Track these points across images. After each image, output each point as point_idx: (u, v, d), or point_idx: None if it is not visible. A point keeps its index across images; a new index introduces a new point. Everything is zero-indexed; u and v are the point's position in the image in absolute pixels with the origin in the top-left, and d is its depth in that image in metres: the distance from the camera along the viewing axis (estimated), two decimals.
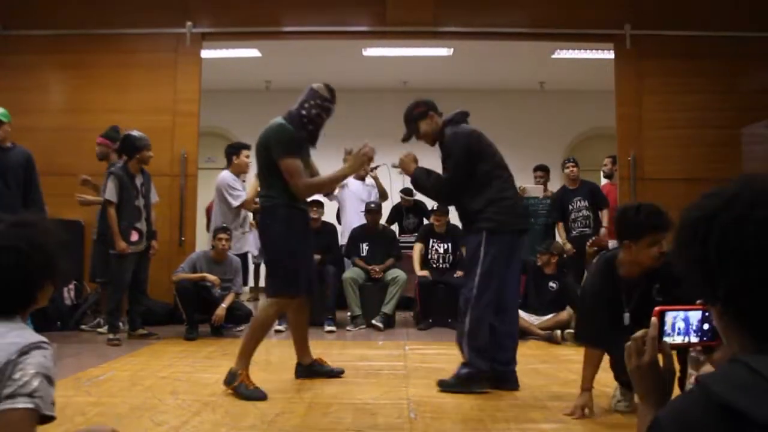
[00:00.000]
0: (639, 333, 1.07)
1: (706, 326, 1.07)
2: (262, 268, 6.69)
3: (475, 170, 3.30)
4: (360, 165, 3.38)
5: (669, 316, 1.06)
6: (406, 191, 7.21)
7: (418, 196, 7.27)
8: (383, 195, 6.59)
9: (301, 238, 3.30)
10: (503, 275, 3.27)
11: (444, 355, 4.34)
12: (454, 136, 3.37)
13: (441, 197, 3.95)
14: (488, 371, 3.19)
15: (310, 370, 3.54)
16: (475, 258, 3.25)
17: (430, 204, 6.36)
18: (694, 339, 1.07)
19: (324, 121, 3.37)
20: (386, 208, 7.07)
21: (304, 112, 3.29)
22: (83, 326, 5.39)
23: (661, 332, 1.05)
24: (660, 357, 1.05)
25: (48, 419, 1.27)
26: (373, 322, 5.68)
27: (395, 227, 7.16)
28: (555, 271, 5.28)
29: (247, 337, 3.26)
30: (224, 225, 5.38)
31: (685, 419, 0.77)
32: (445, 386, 3.22)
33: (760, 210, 0.81)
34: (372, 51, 7.86)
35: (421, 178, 3.45)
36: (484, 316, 3.22)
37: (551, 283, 5.26)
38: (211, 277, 5.10)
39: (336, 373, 3.55)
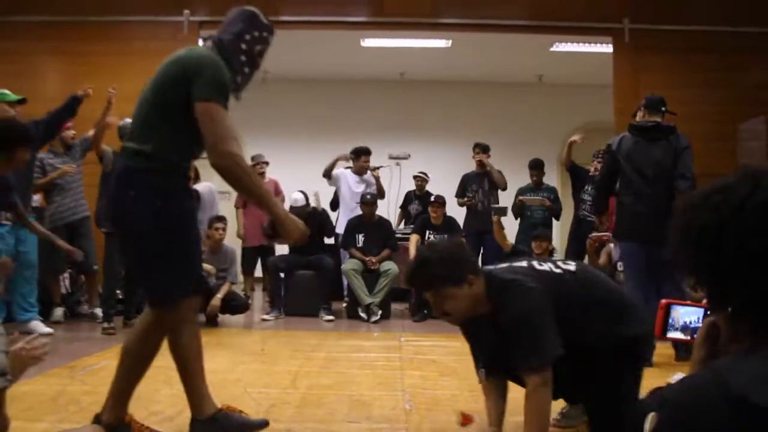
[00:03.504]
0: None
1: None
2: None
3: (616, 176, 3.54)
4: (297, 235, 2.22)
5: (676, 311, 1.06)
6: (422, 173, 7.38)
7: (429, 187, 7.33)
8: (380, 192, 6.56)
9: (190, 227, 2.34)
10: (639, 286, 3.21)
11: (439, 346, 4.35)
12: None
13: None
14: None
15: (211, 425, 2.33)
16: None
17: (435, 192, 6.46)
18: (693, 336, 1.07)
19: (260, 64, 2.44)
20: (390, 201, 7.21)
21: (244, 46, 2.34)
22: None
23: (666, 325, 1.05)
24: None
25: None
26: (361, 314, 5.69)
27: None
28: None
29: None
30: (221, 215, 5.35)
31: (691, 404, 0.75)
32: None
33: None
34: (370, 42, 7.81)
35: None
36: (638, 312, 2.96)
37: None
38: (207, 266, 5.09)
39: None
